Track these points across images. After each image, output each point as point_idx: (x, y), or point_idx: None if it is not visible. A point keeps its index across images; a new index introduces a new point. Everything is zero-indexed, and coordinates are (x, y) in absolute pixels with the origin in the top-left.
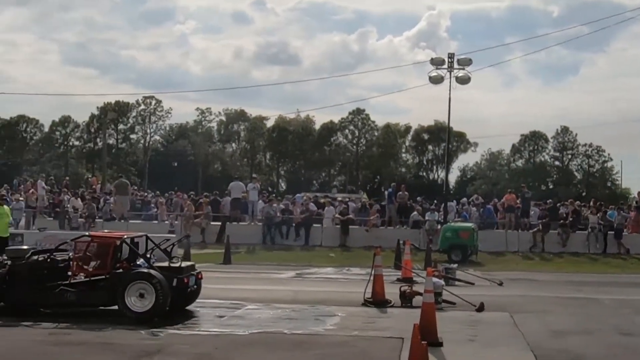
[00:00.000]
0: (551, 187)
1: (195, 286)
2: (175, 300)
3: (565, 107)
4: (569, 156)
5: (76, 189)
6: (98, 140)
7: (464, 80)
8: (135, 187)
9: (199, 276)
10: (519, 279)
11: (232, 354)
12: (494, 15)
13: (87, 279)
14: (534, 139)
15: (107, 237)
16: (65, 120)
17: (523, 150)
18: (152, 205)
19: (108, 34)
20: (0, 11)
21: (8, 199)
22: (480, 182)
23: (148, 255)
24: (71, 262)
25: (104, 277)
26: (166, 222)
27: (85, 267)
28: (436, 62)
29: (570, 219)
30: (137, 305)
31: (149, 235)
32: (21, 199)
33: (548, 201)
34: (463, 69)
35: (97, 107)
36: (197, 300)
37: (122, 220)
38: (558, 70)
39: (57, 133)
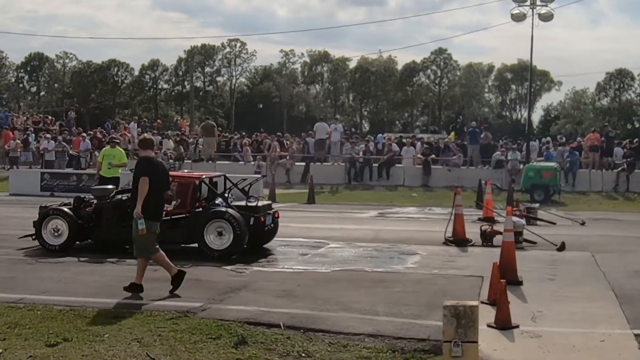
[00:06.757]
0: (637, 126)
1: (272, 225)
2: (253, 239)
3: None
4: None
5: (166, 130)
6: (186, 83)
7: (546, 18)
8: (221, 129)
9: (276, 215)
10: (602, 219)
11: (315, 291)
12: None
13: (168, 217)
14: (620, 77)
15: (186, 177)
16: (154, 64)
17: (608, 88)
18: (238, 146)
19: None
20: None
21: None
22: (564, 121)
23: (226, 195)
24: None
25: (184, 215)
26: (252, 163)
27: (166, 205)
28: None
29: None
30: (216, 243)
31: (227, 175)
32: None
33: (634, 140)
34: (546, 5)
35: (185, 51)
36: (281, 239)
37: (210, 161)
38: None
39: (147, 76)
